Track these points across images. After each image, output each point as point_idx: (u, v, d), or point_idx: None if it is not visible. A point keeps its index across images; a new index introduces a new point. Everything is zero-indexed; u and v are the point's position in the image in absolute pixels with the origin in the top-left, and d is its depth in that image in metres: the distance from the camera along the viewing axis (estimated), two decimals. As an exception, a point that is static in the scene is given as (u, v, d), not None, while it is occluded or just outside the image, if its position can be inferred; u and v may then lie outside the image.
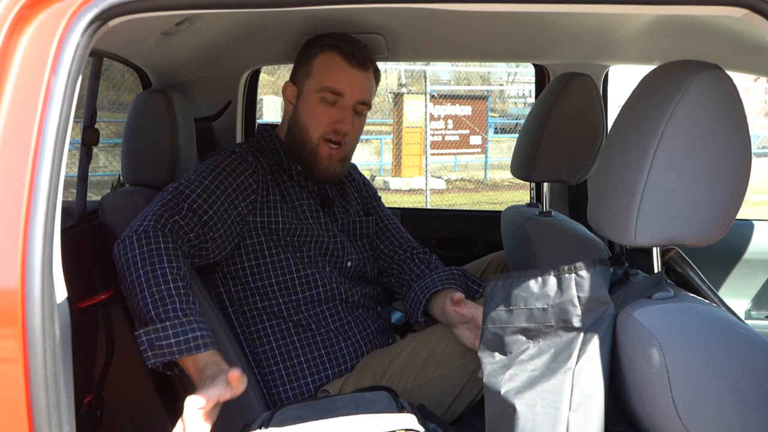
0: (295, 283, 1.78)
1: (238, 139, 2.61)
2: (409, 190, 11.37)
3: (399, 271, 1.98)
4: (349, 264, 1.89)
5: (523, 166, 1.98)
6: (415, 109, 11.57)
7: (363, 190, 2.09)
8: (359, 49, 1.84)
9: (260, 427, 1.26)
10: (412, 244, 2.04)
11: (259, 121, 2.82)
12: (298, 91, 1.88)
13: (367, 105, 1.88)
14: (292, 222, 1.80)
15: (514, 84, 16.05)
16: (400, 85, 12.47)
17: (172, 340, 1.42)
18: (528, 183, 2.32)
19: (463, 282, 1.87)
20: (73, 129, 1.02)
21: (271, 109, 11.28)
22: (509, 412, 1.13)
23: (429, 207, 9.47)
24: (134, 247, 1.51)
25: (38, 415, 0.95)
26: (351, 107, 1.83)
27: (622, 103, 1.21)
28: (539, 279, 1.20)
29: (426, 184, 10.67)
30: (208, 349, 1.43)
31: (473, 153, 12.80)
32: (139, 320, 1.48)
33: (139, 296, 1.46)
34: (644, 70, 1.33)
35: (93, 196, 1.99)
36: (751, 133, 1.13)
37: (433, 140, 11.71)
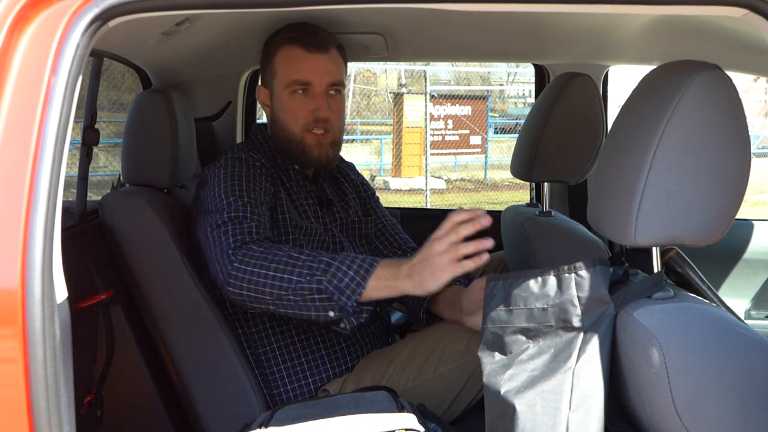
0: None
1: (238, 139, 2.61)
2: (409, 190, 11.37)
3: (395, 272, 1.98)
4: (348, 264, 1.89)
5: (523, 166, 1.98)
6: (415, 109, 11.57)
7: (361, 190, 2.08)
8: (315, 34, 1.83)
9: (260, 427, 1.26)
10: (411, 245, 2.04)
11: (259, 121, 2.82)
12: (270, 92, 1.88)
13: (340, 85, 1.86)
14: (299, 220, 1.80)
15: (514, 84, 16.06)
16: (400, 85, 12.47)
17: (351, 272, 1.46)
18: (528, 183, 2.32)
19: (466, 280, 1.88)
20: (73, 129, 1.02)
21: (271, 109, 11.27)
22: (509, 411, 1.13)
23: (429, 207, 9.47)
24: (244, 267, 1.51)
25: (38, 415, 0.95)
26: (323, 93, 1.82)
27: (622, 103, 1.21)
28: (539, 279, 1.20)
29: (426, 184, 10.67)
30: (376, 264, 1.48)
31: (473, 153, 12.80)
32: (309, 308, 1.50)
33: (291, 286, 1.47)
34: (644, 70, 1.33)
35: (93, 196, 1.99)
36: (751, 133, 1.14)
37: (433, 140, 11.71)
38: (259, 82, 2.76)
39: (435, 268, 1.42)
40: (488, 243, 1.40)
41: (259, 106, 2.70)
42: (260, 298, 1.51)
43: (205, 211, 1.70)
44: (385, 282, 1.47)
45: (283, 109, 1.84)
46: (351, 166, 2.12)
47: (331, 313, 1.49)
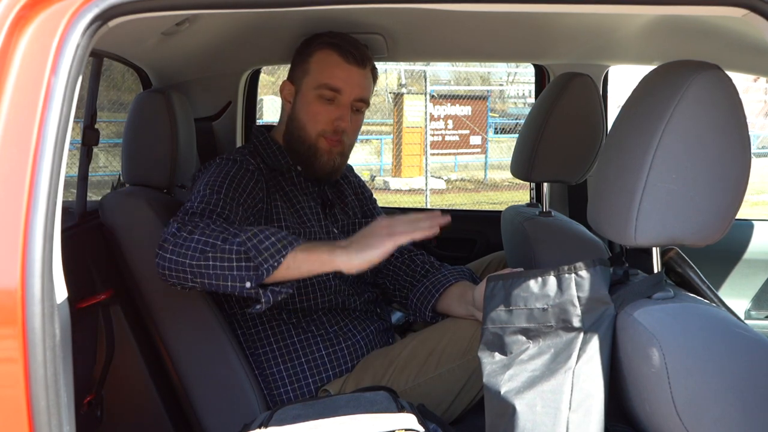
0: (293, 293, 1.78)
1: (238, 139, 2.61)
2: (409, 190, 11.37)
3: (395, 272, 1.98)
4: (349, 266, 1.88)
5: (523, 166, 1.98)
6: (415, 109, 11.57)
7: (360, 192, 2.08)
8: (357, 47, 1.84)
9: (260, 427, 1.26)
10: (408, 247, 2.04)
11: (259, 121, 2.82)
12: (296, 89, 1.87)
13: (365, 102, 1.87)
14: (296, 227, 1.80)
15: (514, 84, 16.06)
16: (400, 85, 12.47)
17: (274, 238, 1.43)
18: (528, 183, 2.32)
19: (472, 279, 1.88)
20: (73, 129, 1.02)
21: (271, 109, 11.27)
22: (509, 412, 1.13)
23: (429, 207, 9.47)
24: (178, 239, 1.46)
25: (38, 415, 0.95)
26: (349, 104, 1.83)
27: (622, 103, 1.21)
28: (539, 279, 1.20)
29: (426, 184, 10.67)
30: (304, 242, 1.47)
31: (473, 153, 12.81)
32: (227, 278, 1.44)
33: (217, 245, 1.42)
34: (644, 70, 1.33)
35: (93, 196, 1.99)
36: (751, 133, 1.14)
37: (433, 140, 11.71)
38: (258, 77, 2.77)
39: (379, 237, 1.42)
40: (443, 219, 1.44)
41: (259, 105, 2.70)
42: (182, 261, 1.45)
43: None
44: (317, 254, 1.44)
45: (306, 109, 1.84)
46: (349, 168, 2.12)
47: (248, 284, 1.42)
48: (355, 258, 1.41)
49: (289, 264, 1.42)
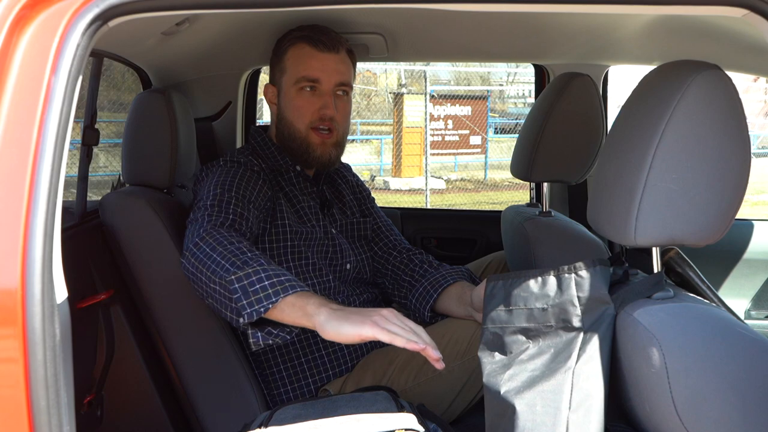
0: None
1: (238, 139, 2.61)
2: (409, 190, 11.38)
3: (394, 272, 1.98)
4: (348, 267, 1.89)
5: (523, 166, 1.98)
6: (415, 109, 11.57)
7: (357, 191, 2.09)
8: (326, 34, 1.85)
9: (260, 427, 1.26)
10: (407, 246, 2.04)
11: (259, 121, 2.82)
12: (278, 89, 1.89)
13: (348, 86, 1.88)
14: (298, 226, 1.80)
15: (514, 84, 16.07)
16: (400, 85, 12.47)
17: (266, 282, 1.36)
18: (528, 183, 2.32)
19: (471, 279, 1.88)
20: (73, 129, 1.02)
21: (271, 109, 11.28)
22: (509, 412, 1.13)
23: (429, 207, 9.47)
24: (202, 245, 1.46)
25: (38, 415, 0.95)
26: (331, 92, 1.83)
27: (622, 103, 1.21)
28: (539, 279, 1.20)
29: (426, 184, 10.67)
30: (303, 290, 1.38)
31: (473, 153, 12.81)
32: (227, 307, 1.41)
33: (220, 273, 1.39)
34: (644, 70, 1.33)
35: (93, 196, 1.99)
36: (751, 133, 1.14)
37: (433, 140, 11.71)
38: (258, 77, 2.77)
39: (364, 317, 1.30)
40: (436, 355, 1.28)
41: (259, 106, 2.70)
42: (197, 277, 1.44)
43: (195, 202, 1.72)
44: (304, 304, 1.35)
45: (289, 105, 1.85)
46: (347, 167, 2.13)
47: (241, 320, 1.38)
48: (332, 326, 1.31)
49: (278, 308, 1.36)
